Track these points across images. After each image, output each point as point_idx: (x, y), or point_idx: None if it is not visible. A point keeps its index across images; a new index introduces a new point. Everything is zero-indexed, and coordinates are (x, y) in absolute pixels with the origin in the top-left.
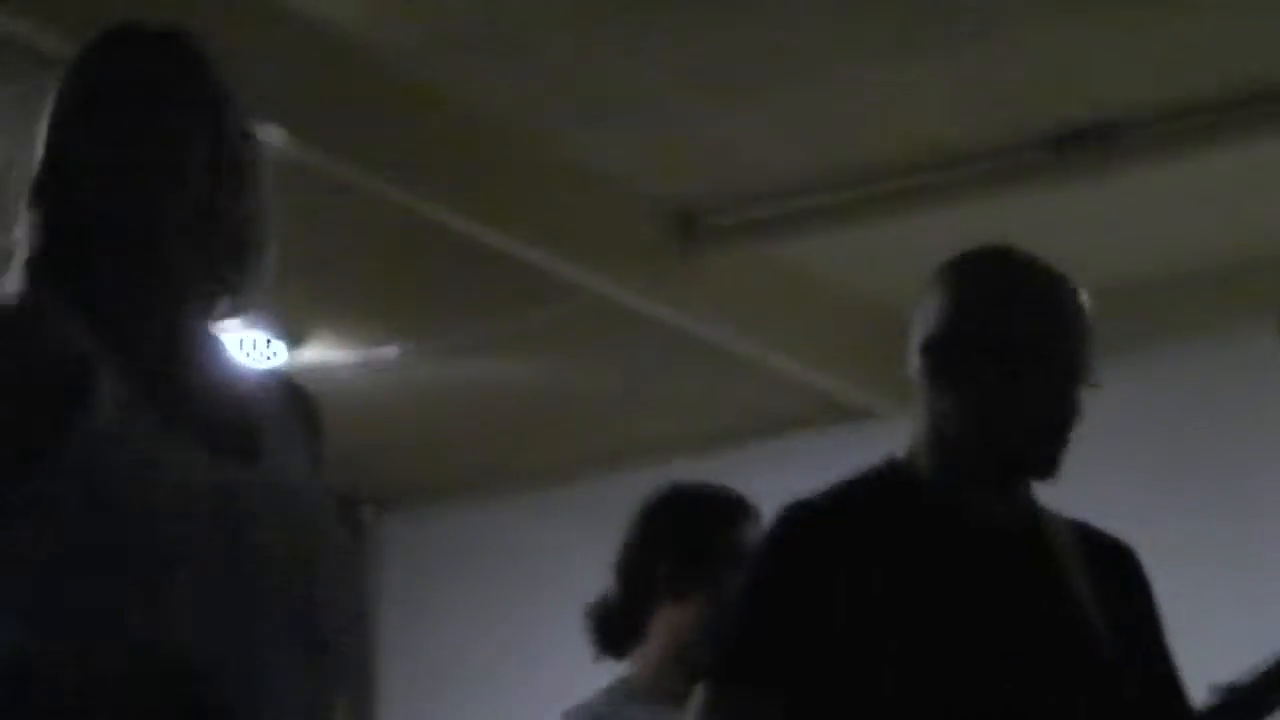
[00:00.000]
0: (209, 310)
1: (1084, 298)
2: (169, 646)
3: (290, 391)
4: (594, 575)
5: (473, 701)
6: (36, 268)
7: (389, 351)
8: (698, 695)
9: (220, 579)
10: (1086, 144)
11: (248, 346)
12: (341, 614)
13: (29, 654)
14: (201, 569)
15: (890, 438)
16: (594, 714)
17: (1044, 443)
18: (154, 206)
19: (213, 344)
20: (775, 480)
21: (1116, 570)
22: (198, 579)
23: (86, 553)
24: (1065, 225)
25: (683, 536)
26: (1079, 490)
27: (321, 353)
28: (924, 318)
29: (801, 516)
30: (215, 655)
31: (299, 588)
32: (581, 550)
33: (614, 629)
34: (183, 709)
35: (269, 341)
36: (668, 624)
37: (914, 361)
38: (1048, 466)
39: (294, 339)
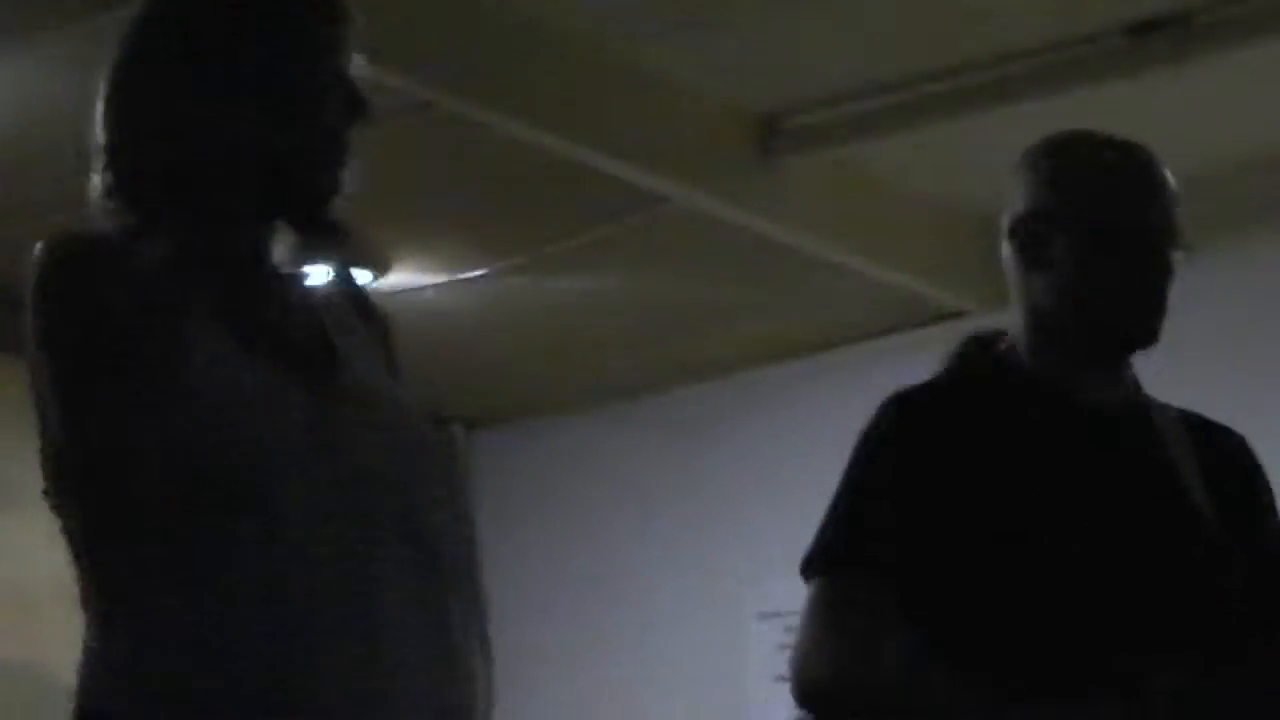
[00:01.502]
0: (289, 236)
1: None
2: (283, 579)
3: (365, 307)
4: (682, 485)
5: (562, 616)
6: (124, 199)
7: (474, 270)
8: (810, 588)
9: (325, 497)
10: (1162, 31)
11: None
12: (448, 519)
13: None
14: (306, 488)
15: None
16: None
17: (1142, 310)
18: (243, 138)
19: (289, 270)
20: (862, 385)
21: (1226, 455)
22: (304, 500)
23: (202, 484)
24: (1142, 115)
25: None
26: (1176, 379)
27: (408, 275)
28: (1012, 200)
29: (905, 406)
30: (329, 578)
31: (403, 498)
32: (670, 461)
33: None
34: (299, 632)
35: (354, 266)
36: None
37: (1005, 247)
38: (1147, 335)
39: (381, 261)
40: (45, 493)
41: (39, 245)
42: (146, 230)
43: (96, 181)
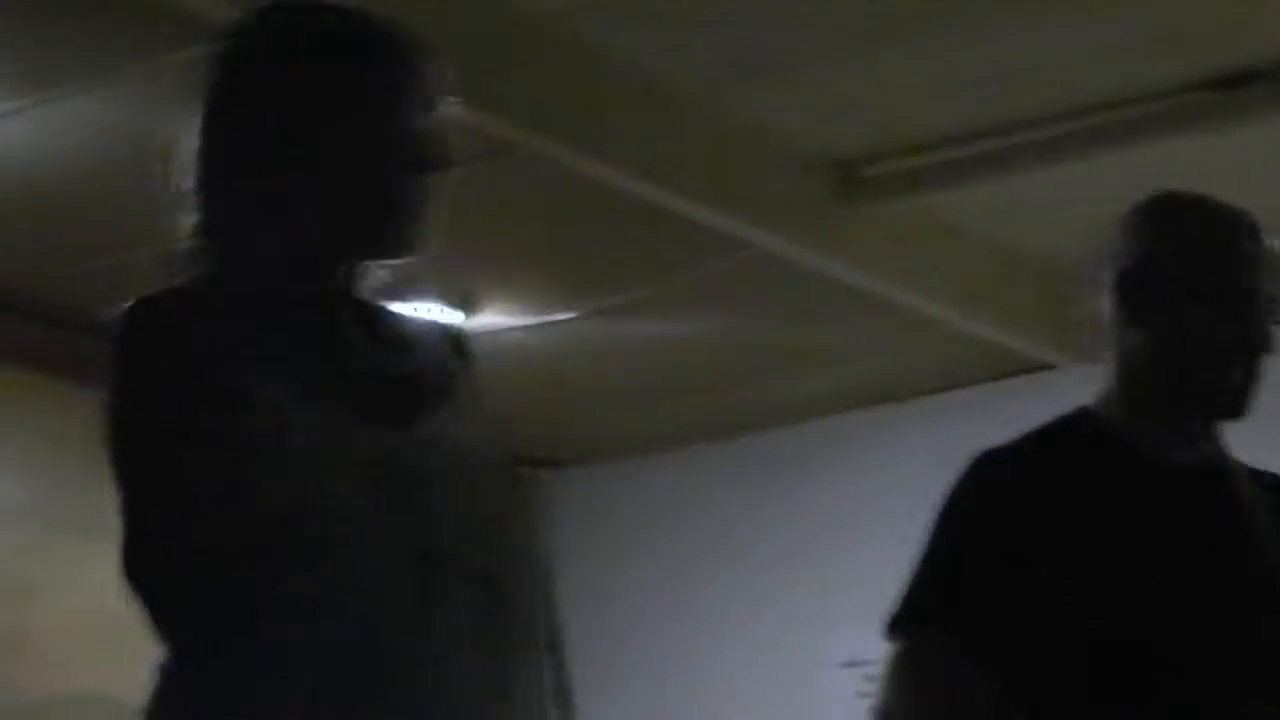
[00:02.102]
0: (375, 279)
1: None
2: (343, 628)
3: (457, 347)
4: (762, 530)
5: (645, 657)
6: (205, 243)
7: (560, 314)
8: (893, 648)
9: (390, 544)
10: (1250, 85)
11: (421, 313)
12: (521, 565)
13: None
14: (370, 535)
15: (1055, 389)
16: None
17: (1236, 376)
18: (330, 182)
19: (375, 310)
20: (941, 434)
21: None
22: (368, 547)
23: (262, 534)
24: (1227, 169)
25: None
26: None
27: (494, 317)
28: (1115, 257)
29: (992, 464)
30: (390, 626)
31: (474, 543)
32: (750, 505)
33: None
34: (361, 680)
35: (442, 309)
36: None
37: (1106, 302)
38: (1239, 402)
39: (467, 304)
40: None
41: (120, 311)
42: (225, 278)
43: (182, 222)
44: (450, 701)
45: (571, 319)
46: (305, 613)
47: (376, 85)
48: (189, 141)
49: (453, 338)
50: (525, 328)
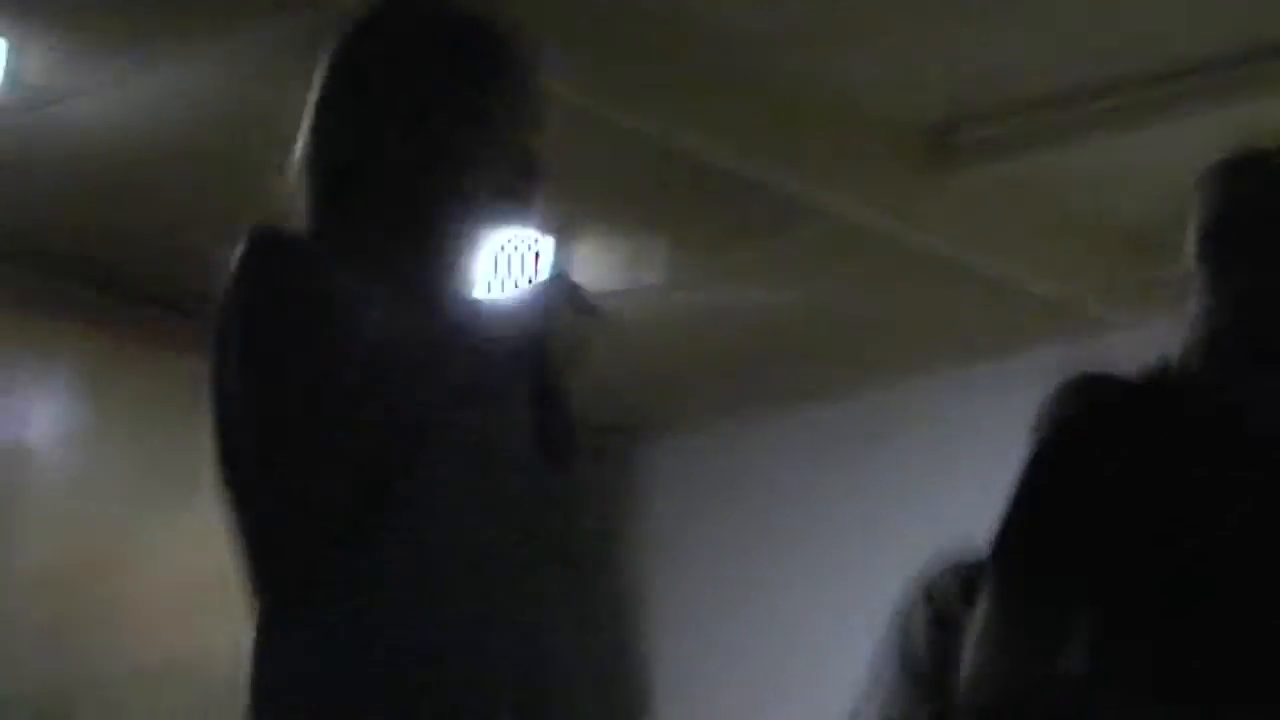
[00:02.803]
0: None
1: None
2: (447, 581)
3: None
4: (845, 495)
5: (728, 621)
6: (319, 212)
7: (642, 283)
8: (982, 599)
9: (486, 507)
10: None
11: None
12: (603, 541)
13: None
14: (469, 498)
15: (1136, 352)
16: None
17: None
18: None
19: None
20: (1021, 398)
21: None
22: (467, 505)
23: (367, 482)
24: None
25: None
26: None
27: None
28: (1196, 215)
29: (1074, 419)
30: (493, 583)
31: (560, 516)
32: (835, 470)
33: None
34: (464, 635)
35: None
36: None
37: (1187, 258)
38: None
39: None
40: (219, 485)
41: (243, 236)
42: (333, 242)
43: (294, 191)
44: (544, 670)
45: (657, 287)
46: (407, 567)
47: (499, 90)
48: (307, 121)
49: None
50: (611, 295)
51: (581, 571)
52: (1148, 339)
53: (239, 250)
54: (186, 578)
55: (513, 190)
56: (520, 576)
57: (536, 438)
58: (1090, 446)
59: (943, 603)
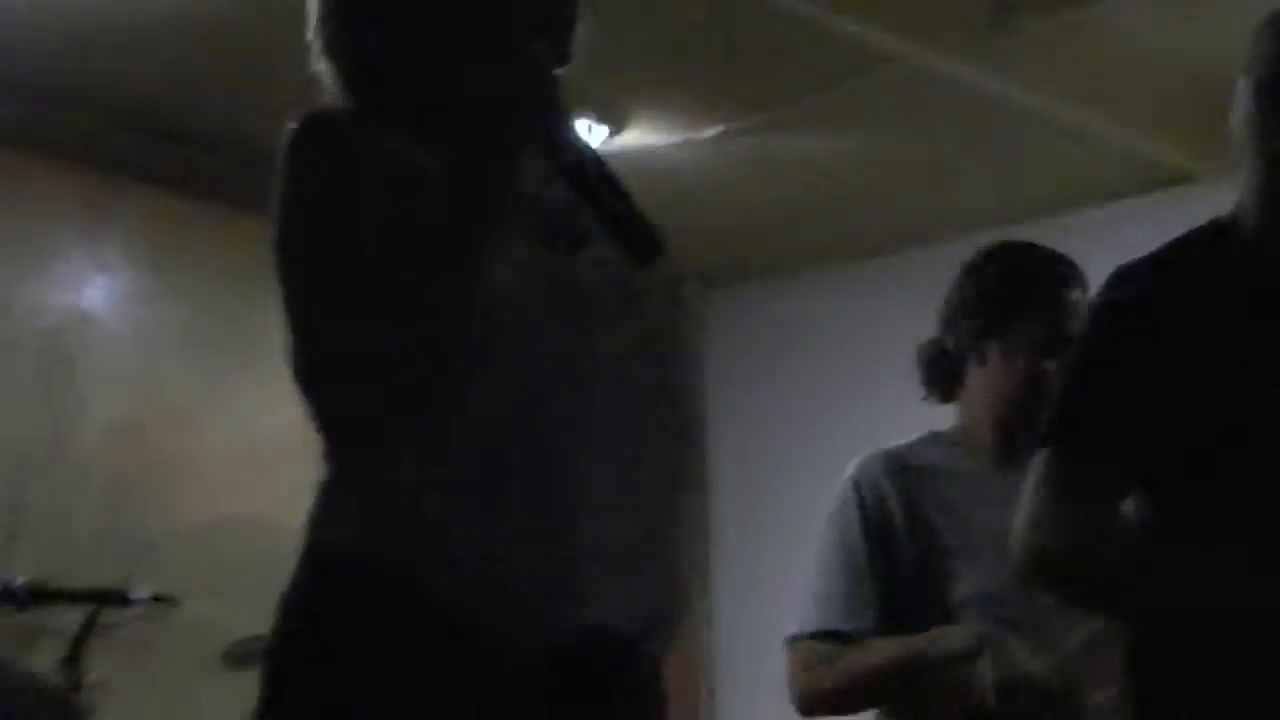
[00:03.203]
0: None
1: None
2: (509, 436)
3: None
4: (909, 349)
5: (792, 474)
6: (354, 89)
7: (708, 130)
8: (1035, 461)
9: (551, 359)
10: None
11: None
12: (668, 384)
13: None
14: (532, 350)
15: (1210, 203)
16: (893, 451)
17: None
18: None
19: (536, 139)
20: (1089, 247)
21: None
22: (531, 361)
23: (430, 341)
24: None
25: (1004, 291)
26: None
27: (642, 135)
28: (1254, 63)
29: (1133, 280)
30: (548, 442)
31: (628, 361)
32: (899, 322)
33: (937, 374)
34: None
35: (590, 127)
36: (982, 378)
37: (1243, 109)
38: None
39: (614, 123)
40: (287, 346)
41: (291, 121)
42: (385, 115)
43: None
44: (603, 517)
45: (720, 136)
46: (467, 420)
47: None
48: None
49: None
50: (673, 145)
51: (657, 412)
52: (1218, 189)
53: (290, 136)
54: (254, 434)
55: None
56: (587, 419)
57: (613, 281)
58: (1152, 303)
59: (870, 488)
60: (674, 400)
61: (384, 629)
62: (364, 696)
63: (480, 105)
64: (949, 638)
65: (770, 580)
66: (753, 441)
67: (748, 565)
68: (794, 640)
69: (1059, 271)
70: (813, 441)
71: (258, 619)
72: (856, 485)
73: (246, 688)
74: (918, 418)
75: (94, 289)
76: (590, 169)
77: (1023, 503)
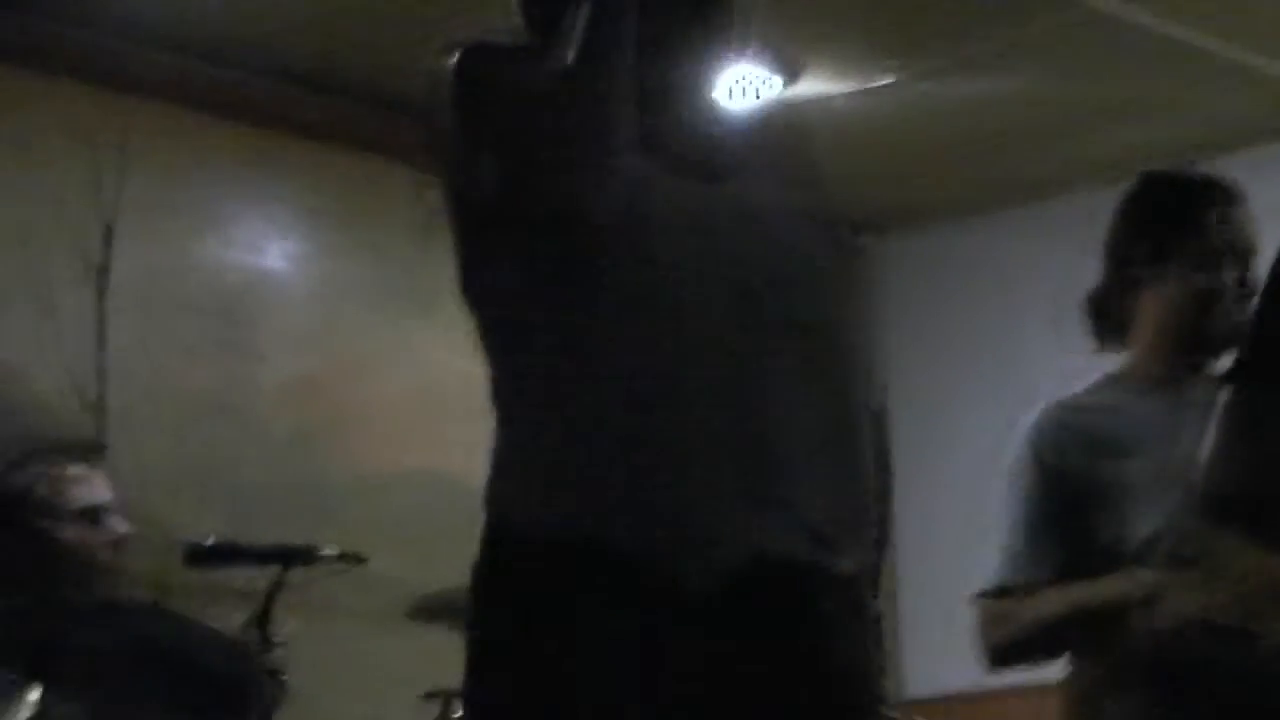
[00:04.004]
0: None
1: None
2: (673, 375)
3: (773, 123)
4: (1085, 289)
5: (966, 419)
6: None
7: (883, 77)
8: (1223, 397)
9: (713, 298)
10: None
11: (746, 82)
12: (842, 321)
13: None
14: (694, 287)
15: None
16: (1071, 404)
17: None
18: None
19: (700, 81)
20: (1260, 187)
21: None
22: (692, 298)
23: (598, 285)
24: None
25: (1159, 220)
26: None
27: (817, 83)
28: None
29: None
30: (715, 380)
31: (788, 306)
32: (1074, 263)
33: (1104, 317)
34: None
35: (766, 78)
36: (1150, 310)
37: None
38: None
39: (789, 72)
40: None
41: (458, 49)
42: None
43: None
44: (766, 443)
45: (895, 82)
46: (636, 362)
47: None
48: None
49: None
50: (849, 94)
51: (821, 342)
52: None
53: (455, 63)
54: (425, 384)
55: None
56: (746, 371)
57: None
58: None
59: (1045, 441)
60: (832, 334)
61: (574, 589)
62: (567, 659)
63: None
64: (1126, 580)
65: (950, 529)
66: (928, 386)
67: (927, 515)
68: (979, 597)
69: (1214, 194)
70: (991, 384)
71: (442, 573)
72: (1031, 439)
73: (432, 643)
74: (1094, 358)
75: (270, 248)
76: None
77: (1208, 439)
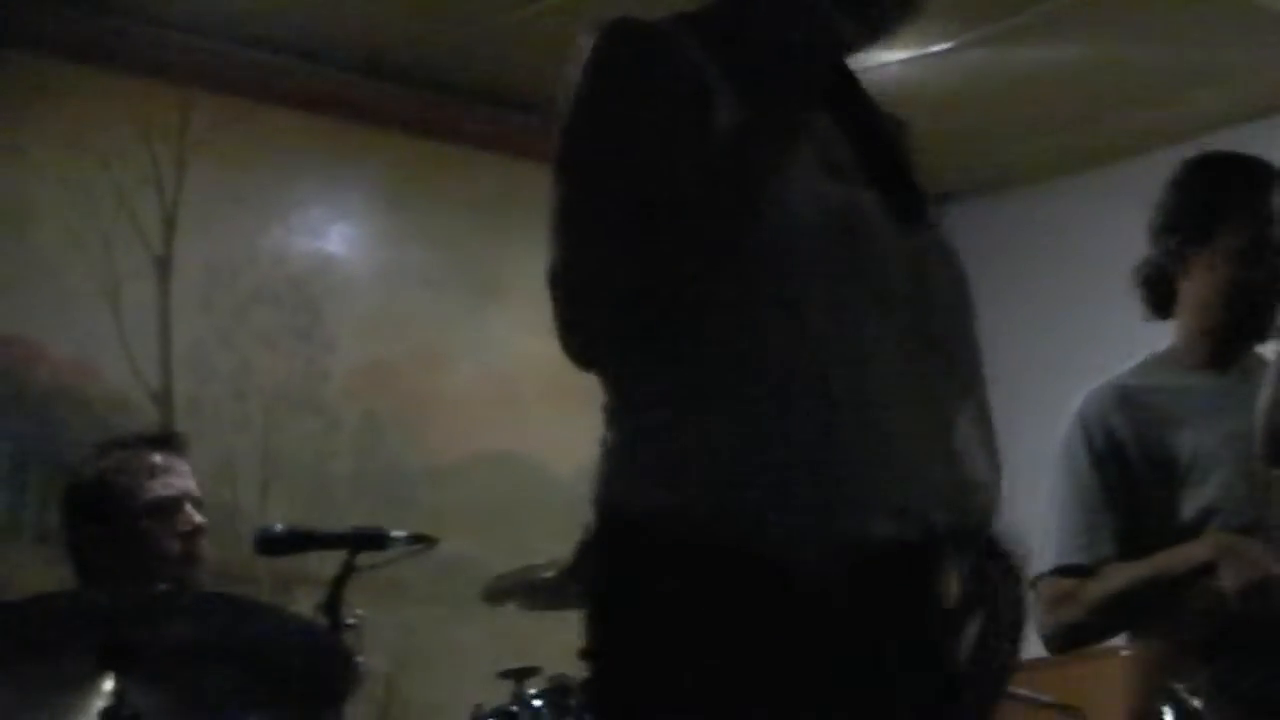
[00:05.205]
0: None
1: None
2: (806, 376)
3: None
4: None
5: (1040, 389)
6: None
7: (941, 44)
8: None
9: (849, 297)
10: None
11: None
12: (954, 315)
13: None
14: (830, 287)
15: None
16: (1119, 384)
17: None
18: None
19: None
20: None
21: None
22: (827, 297)
23: (723, 277)
24: None
25: (1204, 202)
26: None
27: (876, 52)
28: None
29: None
30: (844, 378)
31: (921, 309)
32: (1140, 228)
33: (1154, 289)
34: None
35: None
36: (1191, 290)
37: None
38: None
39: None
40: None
41: (599, 30)
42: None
43: None
44: (892, 446)
45: (952, 48)
46: (766, 359)
47: None
48: None
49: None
50: (906, 60)
51: (946, 361)
52: None
53: (595, 42)
54: (499, 371)
55: None
56: (873, 371)
57: (889, 201)
58: None
59: (1096, 422)
60: (965, 321)
61: (699, 578)
62: (697, 651)
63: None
64: (1188, 550)
65: (1017, 503)
66: (995, 351)
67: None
68: (1037, 579)
69: (1259, 178)
70: (1056, 353)
71: (515, 555)
72: (1082, 421)
73: (506, 624)
74: (1160, 326)
75: (338, 234)
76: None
77: (1264, 389)
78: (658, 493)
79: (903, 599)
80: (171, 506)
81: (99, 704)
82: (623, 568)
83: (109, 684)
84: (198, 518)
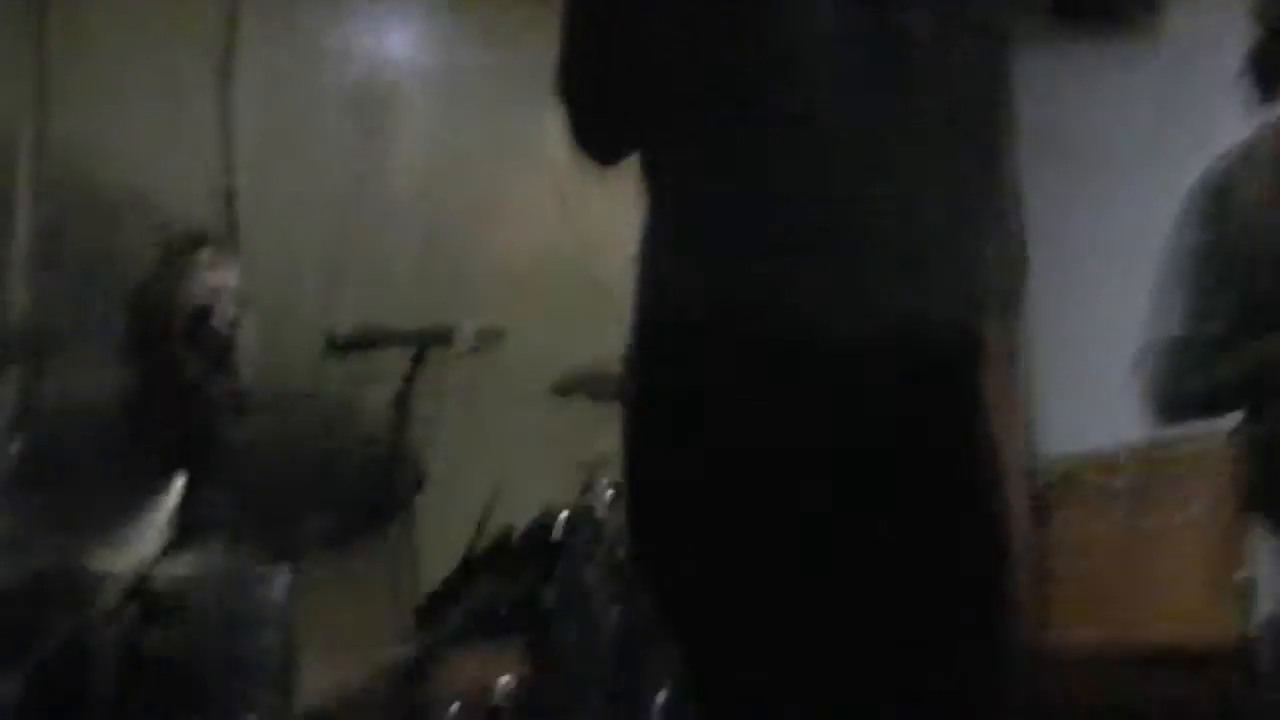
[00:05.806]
0: None
1: None
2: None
3: None
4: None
5: (1126, 176)
6: None
7: None
8: None
9: (857, 112)
10: None
11: None
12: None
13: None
14: (835, 101)
15: None
16: (1235, 157)
17: None
18: None
19: None
20: None
21: None
22: (831, 112)
23: (730, 89)
24: None
25: None
26: None
27: None
28: None
29: None
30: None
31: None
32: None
33: (1261, 72)
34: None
35: None
36: None
37: None
38: None
39: None
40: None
41: None
42: None
43: None
44: (915, 208)
45: None
46: (772, 166)
47: None
48: None
49: None
50: None
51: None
52: None
53: None
54: (558, 169)
55: None
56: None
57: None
58: None
59: (1212, 193)
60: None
61: (724, 359)
62: (724, 428)
63: None
64: None
65: (1089, 277)
66: (1050, 193)
67: (1063, 264)
68: (1158, 351)
69: None
70: (1158, 146)
71: (582, 348)
72: (1198, 193)
73: (576, 417)
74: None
75: (400, 35)
76: None
77: None
78: (672, 268)
79: (904, 374)
80: (213, 299)
81: (170, 502)
82: (642, 344)
83: (179, 482)
84: (232, 310)
